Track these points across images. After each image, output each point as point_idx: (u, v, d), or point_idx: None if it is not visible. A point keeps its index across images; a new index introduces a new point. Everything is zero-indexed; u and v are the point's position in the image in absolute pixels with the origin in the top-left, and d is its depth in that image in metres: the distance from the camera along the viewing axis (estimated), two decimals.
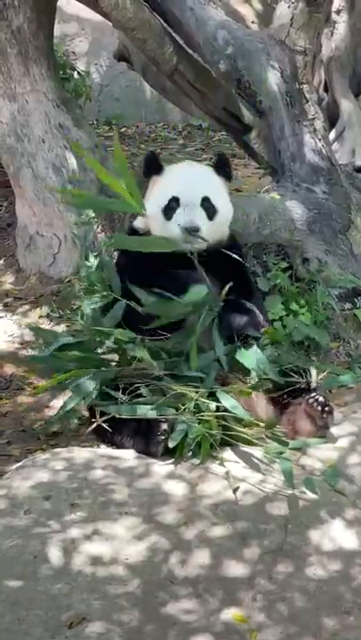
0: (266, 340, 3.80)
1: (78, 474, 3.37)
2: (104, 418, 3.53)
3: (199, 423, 3.45)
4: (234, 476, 3.34)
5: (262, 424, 3.58)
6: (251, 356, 3.66)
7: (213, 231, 3.93)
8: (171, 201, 3.92)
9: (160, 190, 3.99)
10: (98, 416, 3.54)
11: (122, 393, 3.58)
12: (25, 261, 5.77)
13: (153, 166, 4.07)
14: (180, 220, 3.87)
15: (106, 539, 3.07)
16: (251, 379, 3.64)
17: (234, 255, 3.89)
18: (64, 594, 2.85)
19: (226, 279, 3.86)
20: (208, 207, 3.94)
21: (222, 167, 4.09)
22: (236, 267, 3.98)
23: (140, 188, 3.75)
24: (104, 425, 3.53)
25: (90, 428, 3.64)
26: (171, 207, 3.92)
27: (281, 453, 3.39)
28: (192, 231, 3.84)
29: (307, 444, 3.55)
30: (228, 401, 3.50)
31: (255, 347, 3.69)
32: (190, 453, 3.47)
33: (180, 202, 3.90)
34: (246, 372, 3.66)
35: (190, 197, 3.91)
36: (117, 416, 3.50)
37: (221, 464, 3.43)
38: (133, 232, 4.13)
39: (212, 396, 3.54)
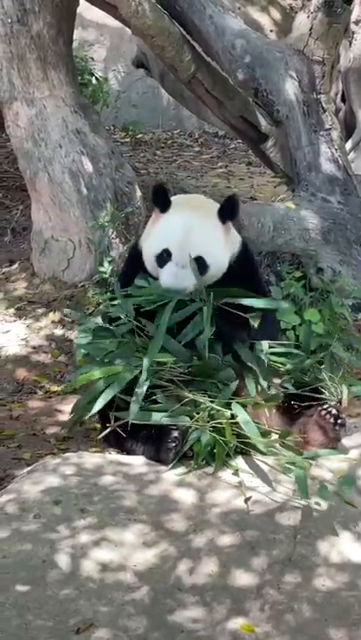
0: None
1: (88, 479, 3.37)
2: (118, 423, 3.54)
3: (213, 431, 3.45)
4: (245, 485, 3.34)
5: (276, 433, 3.58)
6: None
7: (203, 282, 3.80)
8: (163, 251, 3.80)
9: (157, 234, 3.87)
10: (112, 421, 3.55)
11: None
12: (39, 266, 5.78)
13: (159, 200, 3.90)
14: (167, 280, 3.76)
15: (115, 545, 3.07)
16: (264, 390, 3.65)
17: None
18: (72, 599, 2.85)
19: (235, 285, 3.85)
20: (199, 265, 3.77)
21: (228, 212, 3.88)
22: (246, 275, 3.95)
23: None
24: (118, 430, 3.53)
25: (102, 434, 3.64)
26: (163, 257, 3.80)
27: (294, 463, 3.39)
28: (176, 291, 3.73)
29: (318, 454, 3.55)
30: (241, 414, 3.49)
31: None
32: (204, 462, 3.47)
33: (172, 257, 3.77)
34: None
35: (181, 256, 3.76)
36: (131, 421, 3.50)
37: (235, 473, 3.42)
38: (135, 248, 4.07)
39: (227, 405, 3.53)
